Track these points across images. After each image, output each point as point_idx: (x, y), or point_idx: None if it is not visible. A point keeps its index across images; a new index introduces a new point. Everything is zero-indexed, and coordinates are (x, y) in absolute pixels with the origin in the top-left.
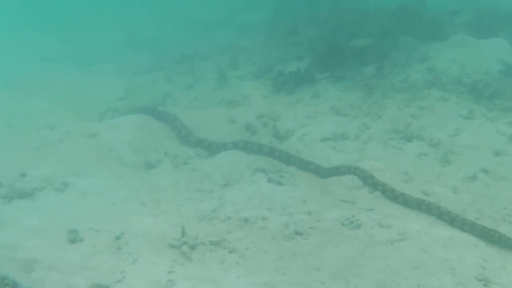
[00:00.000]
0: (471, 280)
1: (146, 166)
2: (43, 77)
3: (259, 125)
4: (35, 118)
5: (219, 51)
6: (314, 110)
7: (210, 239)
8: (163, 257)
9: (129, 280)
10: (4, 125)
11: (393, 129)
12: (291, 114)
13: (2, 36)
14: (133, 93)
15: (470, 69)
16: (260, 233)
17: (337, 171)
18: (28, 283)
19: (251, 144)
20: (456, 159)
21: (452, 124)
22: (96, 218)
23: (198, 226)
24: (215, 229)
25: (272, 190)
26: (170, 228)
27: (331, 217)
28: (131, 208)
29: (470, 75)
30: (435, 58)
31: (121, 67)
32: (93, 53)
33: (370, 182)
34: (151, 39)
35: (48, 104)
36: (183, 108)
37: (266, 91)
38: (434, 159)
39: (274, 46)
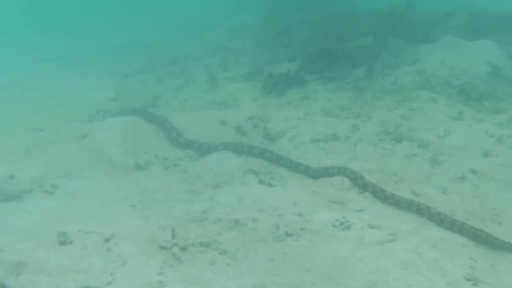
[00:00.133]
0: (460, 280)
1: (136, 167)
2: (34, 79)
3: (250, 126)
4: (25, 119)
5: (209, 52)
6: (305, 112)
7: (201, 241)
8: (153, 258)
9: (119, 282)
10: None
11: (383, 130)
12: (282, 116)
13: None
14: (123, 94)
15: (459, 71)
16: (250, 235)
17: (327, 172)
18: (17, 286)
19: (241, 145)
20: (445, 160)
21: (441, 125)
22: (85, 220)
23: (188, 228)
24: (205, 230)
25: (262, 192)
26: (160, 229)
27: (322, 218)
28: (121, 210)
29: (459, 77)
30: (424, 60)
31: (112, 68)
32: (85, 55)
33: (360, 183)
34: (142, 41)
35: (38, 105)
36: (174, 110)
37: (257, 93)
38: (423, 160)
39: (264, 47)
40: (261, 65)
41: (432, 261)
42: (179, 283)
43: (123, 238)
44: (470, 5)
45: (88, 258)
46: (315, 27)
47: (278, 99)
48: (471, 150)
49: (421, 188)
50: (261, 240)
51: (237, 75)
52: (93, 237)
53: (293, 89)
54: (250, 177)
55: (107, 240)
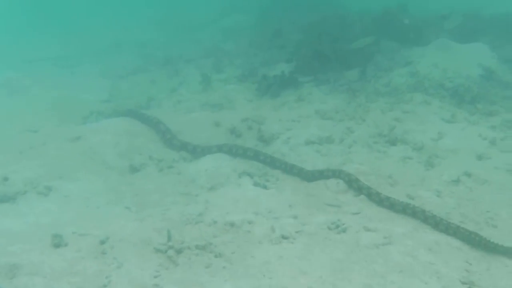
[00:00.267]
0: (455, 283)
1: (130, 169)
2: (26, 79)
3: (244, 128)
4: (17, 120)
5: (203, 53)
6: (299, 114)
7: (196, 243)
8: (149, 261)
9: (115, 285)
10: None
11: (378, 132)
12: (276, 118)
13: None
14: (117, 95)
15: (452, 73)
16: (246, 237)
17: (322, 174)
18: None
19: (236, 148)
20: (440, 163)
21: (435, 127)
22: (80, 222)
23: (184, 230)
24: (201, 233)
25: (257, 194)
26: (156, 232)
27: (317, 221)
28: (116, 212)
29: (452, 79)
30: (417, 62)
31: (105, 69)
32: (77, 55)
33: (355, 186)
34: (135, 41)
35: (31, 106)
36: (167, 111)
37: (251, 95)
38: (418, 162)
39: (258, 49)
40: (255, 67)
41: (427, 264)
42: (175, 286)
43: (118, 240)
44: (462, 8)
45: (83, 260)
46: (309, 29)
47: (272, 101)
48: (465, 153)
49: (416, 191)
50: (257, 243)
51: (231, 76)
52: (88, 239)
53: (287, 91)
54: (245, 179)
55: (102, 242)
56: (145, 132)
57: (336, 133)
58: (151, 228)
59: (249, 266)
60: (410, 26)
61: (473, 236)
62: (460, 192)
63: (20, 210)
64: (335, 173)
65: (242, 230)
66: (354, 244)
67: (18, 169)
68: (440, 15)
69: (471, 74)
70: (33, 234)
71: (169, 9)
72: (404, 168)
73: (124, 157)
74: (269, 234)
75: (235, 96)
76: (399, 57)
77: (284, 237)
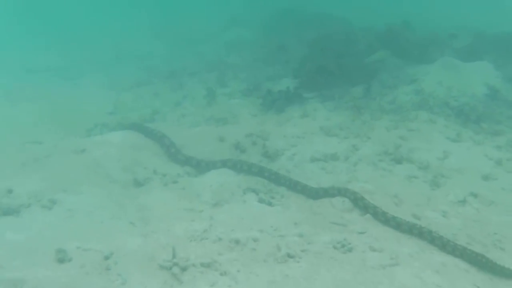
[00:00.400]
0: None
1: (134, 183)
2: (30, 89)
3: (249, 143)
4: (21, 132)
5: (207, 67)
6: (304, 130)
7: (201, 261)
8: (153, 278)
9: None
10: None
11: (383, 150)
12: (281, 133)
13: None
14: (121, 108)
15: (456, 92)
16: (251, 255)
17: (327, 193)
18: None
19: (241, 163)
20: (446, 183)
21: (441, 146)
22: (84, 237)
23: (188, 247)
24: (205, 250)
25: (263, 211)
26: (160, 248)
27: (323, 239)
28: (120, 227)
29: (457, 98)
30: (422, 80)
31: (108, 81)
32: (79, 66)
33: (361, 204)
34: (137, 53)
35: (35, 118)
36: (172, 125)
37: (255, 109)
38: (423, 182)
39: (262, 63)
40: (260, 81)
41: (434, 286)
42: None
43: (122, 256)
44: (466, 26)
45: (87, 276)
46: (313, 45)
47: (277, 116)
48: (470, 173)
49: (422, 211)
50: (262, 261)
51: (235, 90)
52: (92, 254)
53: (292, 107)
54: (250, 196)
55: (106, 258)
56: (149, 146)
57: (341, 150)
58: (155, 244)
59: (255, 285)
60: (414, 44)
61: (480, 258)
62: (467, 213)
63: (24, 223)
64: (340, 191)
65: (247, 247)
66: (361, 264)
67: (22, 181)
68: (449, 34)
69: (476, 93)
70: (37, 248)
71: (171, 22)
72: (410, 187)
73: (128, 171)
74: (275, 253)
75: (239, 111)
76: (404, 75)
77: (289, 256)
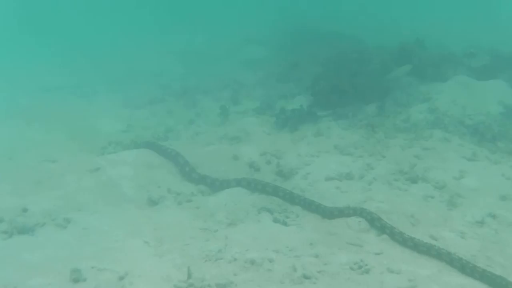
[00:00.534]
0: None
1: (148, 202)
2: (43, 108)
3: (263, 162)
4: (36, 150)
5: (220, 85)
6: (318, 149)
7: (217, 282)
8: None
9: None
10: (5, 157)
11: (398, 170)
12: (295, 152)
13: (3, 65)
14: (134, 126)
15: (471, 110)
16: (267, 276)
17: (343, 212)
18: None
19: (255, 182)
20: (463, 203)
21: (456, 166)
22: (99, 257)
23: (203, 267)
24: (221, 270)
25: (277, 231)
26: (175, 268)
27: (339, 260)
28: (135, 246)
29: (471, 117)
30: (436, 98)
31: (122, 98)
32: (94, 84)
33: (378, 224)
34: (151, 71)
35: (49, 136)
36: (185, 143)
37: (269, 128)
38: (440, 202)
39: (275, 81)
40: (273, 100)
41: None
42: None
43: (137, 276)
44: (481, 45)
45: None
46: (327, 63)
47: (291, 135)
48: (488, 193)
49: (439, 232)
50: (278, 282)
51: (249, 109)
52: (107, 274)
53: (305, 125)
54: (265, 215)
55: (121, 278)
56: (163, 164)
57: (355, 169)
58: (170, 264)
59: None
60: (427, 62)
61: (500, 280)
62: (485, 234)
63: (38, 242)
64: (356, 211)
65: (263, 268)
66: (378, 286)
67: (36, 200)
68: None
69: (491, 112)
70: (52, 268)
71: (184, 40)
72: (426, 207)
73: (142, 190)
74: (291, 273)
75: (253, 129)
76: (418, 93)
77: (306, 277)
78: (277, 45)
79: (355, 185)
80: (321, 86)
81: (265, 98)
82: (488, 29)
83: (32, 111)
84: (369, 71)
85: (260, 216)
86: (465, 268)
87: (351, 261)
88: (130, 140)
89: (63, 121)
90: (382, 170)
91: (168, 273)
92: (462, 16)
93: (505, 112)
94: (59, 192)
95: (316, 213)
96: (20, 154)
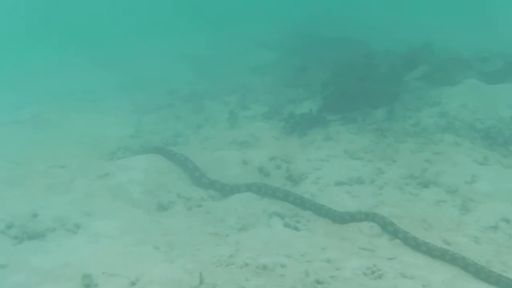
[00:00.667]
0: None
1: (158, 207)
2: (53, 114)
3: (272, 167)
4: (45, 155)
5: (228, 89)
6: (327, 153)
7: (229, 287)
8: None
9: None
10: (13, 163)
11: (409, 174)
12: (304, 157)
13: (11, 71)
14: (143, 131)
15: (482, 114)
16: (279, 281)
17: (355, 217)
18: None
19: (265, 187)
20: (476, 207)
21: (468, 170)
22: (109, 262)
23: (215, 273)
24: (232, 276)
25: (289, 236)
26: (187, 274)
27: (352, 265)
28: (145, 252)
29: (482, 121)
30: (445, 102)
31: (129, 104)
32: (102, 89)
33: (390, 229)
34: (157, 76)
35: (57, 141)
36: (194, 149)
37: (278, 132)
38: (452, 206)
39: (283, 86)
40: (281, 104)
41: None
42: None
43: (148, 282)
44: (492, 49)
45: None
46: (335, 67)
47: (300, 139)
48: (501, 197)
49: (453, 237)
50: (291, 287)
51: (257, 114)
52: (118, 280)
53: (314, 129)
54: (276, 220)
55: (132, 284)
56: (172, 170)
57: (366, 174)
58: (181, 269)
59: None
60: (437, 66)
61: None
62: (499, 239)
63: (49, 248)
64: (368, 216)
65: (275, 273)
66: None
67: (46, 205)
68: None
69: (502, 116)
70: (63, 273)
71: (190, 45)
72: (439, 212)
73: (152, 195)
74: (303, 279)
75: (262, 134)
76: (427, 97)
77: (318, 282)
78: (285, 50)
79: (366, 190)
80: (330, 91)
81: (273, 103)
82: (489, 34)
83: (40, 117)
84: (378, 75)
85: (271, 221)
86: (480, 273)
87: (363, 266)
88: (139, 145)
89: (71, 126)
90: (393, 174)
91: (180, 278)
92: (462, 21)
93: None
94: (69, 197)
95: (329, 219)
96: (29, 159)
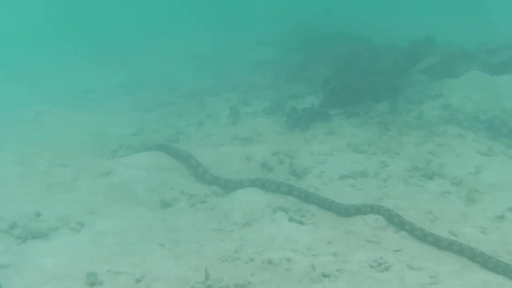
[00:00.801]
0: None
1: (162, 204)
2: (55, 113)
3: (275, 162)
4: (47, 154)
5: (229, 86)
6: (330, 147)
7: (235, 282)
8: None
9: None
10: (16, 163)
11: (413, 166)
12: (307, 151)
13: (13, 72)
14: (145, 129)
15: (485, 106)
16: (285, 276)
17: (360, 210)
18: None
19: (269, 182)
20: (481, 198)
21: (472, 161)
22: (114, 260)
23: (220, 268)
24: (238, 271)
25: (294, 230)
26: (192, 270)
27: (358, 258)
28: (150, 249)
29: (486, 112)
30: (448, 94)
31: (130, 102)
32: (104, 88)
33: (397, 221)
34: (159, 75)
35: (60, 140)
36: (197, 145)
37: (280, 128)
38: (458, 197)
39: (285, 81)
40: (283, 100)
41: None
42: None
43: (154, 279)
44: (490, 40)
45: None
46: (338, 62)
47: (303, 134)
48: (506, 188)
49: (459, 228)
50: (297, 281)
51: (259, 109)
52: (123, 278)
53: (317, 124)
54: (280, 215)
55: (138, 281)
56: (175, 166)
57: (370, 167)
58: (186, 266)
59: None
60: (439, 58)
61: None
62: (506, 229)
63: (53, 247)
64: (373, 209)
65: (280, 268)
66: (400, 283)
67: (50, 204)
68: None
69: (506, 107)
70: (67, 272)
71: (191, 43)
72: (444, 203)
73: (155, 192)
74: (309, 272)
75: (264, 129)
76: (429, 89)
77: (325, 276)
78: (286, 46)
79: (370, 183)
80: (332, 85)
81: (275, 98)
82: (487, 29)
83: (42, 116)
84: (380, 69)
85: (275, 215)
86: (488, 263)
87: (370, 258)
88: (141, 143)
89: (73, 125)
90: (397, 167)
91: (185, 275)
92: (460, 18)
93: None
94: (72, 196)
95: (334, 212)
96: (31, 159)
